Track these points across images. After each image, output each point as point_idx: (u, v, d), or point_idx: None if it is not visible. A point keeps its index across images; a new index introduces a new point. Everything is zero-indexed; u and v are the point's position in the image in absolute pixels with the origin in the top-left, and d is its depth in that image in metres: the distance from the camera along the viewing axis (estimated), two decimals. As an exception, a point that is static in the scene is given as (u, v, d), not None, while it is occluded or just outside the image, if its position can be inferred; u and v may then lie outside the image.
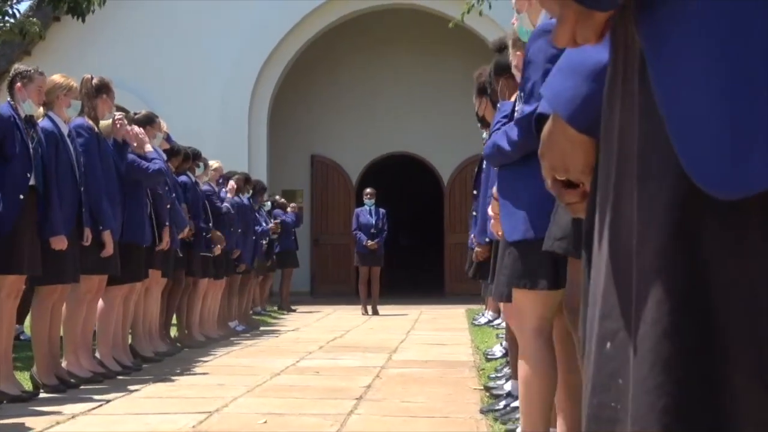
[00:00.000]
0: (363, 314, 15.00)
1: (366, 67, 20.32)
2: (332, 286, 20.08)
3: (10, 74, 6.39)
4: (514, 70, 4.63)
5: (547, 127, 1.54)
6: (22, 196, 5.94)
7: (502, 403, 5.56)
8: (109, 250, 6.96)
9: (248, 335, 11.52)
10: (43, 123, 6.50)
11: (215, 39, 18.16)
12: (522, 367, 3.71)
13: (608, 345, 1.29)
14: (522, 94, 3.56)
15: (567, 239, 3.11)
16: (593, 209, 1.46)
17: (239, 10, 18.09)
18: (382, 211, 15.29)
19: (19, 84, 6.25)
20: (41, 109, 6.62)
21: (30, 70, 6.36)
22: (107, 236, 6.94)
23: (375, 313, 15.07)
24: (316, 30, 18.84)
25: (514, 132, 3.59)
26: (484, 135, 7.39)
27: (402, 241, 24.64)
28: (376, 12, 19.31)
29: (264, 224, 14.04)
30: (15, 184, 5.91)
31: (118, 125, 7.47)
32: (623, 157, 1.30)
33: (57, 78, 6.76)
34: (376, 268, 15.20)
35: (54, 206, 6.22)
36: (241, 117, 18.43)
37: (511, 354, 5.73)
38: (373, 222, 15.07)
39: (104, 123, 7.44)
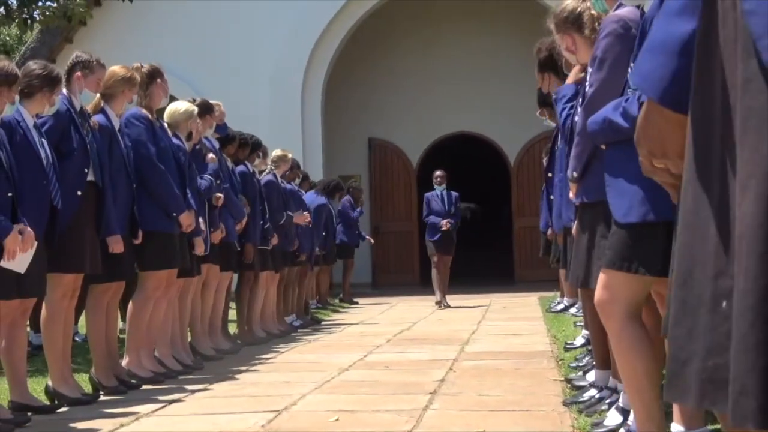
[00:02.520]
0: (438, 307, 14.49)
1: (424, 44, 20.31)
2: (395, 277, 20.15)
3: (70, 61, 6.45)
4: (564, 53, 4.66)
5: (642, 111, 1.58)
6: (80, 193, 6.08)
7: (586, 395, 5.58)
8: (188, 226, 7.24)
9: (308, 330, 11.63)
10: (97, 117, 6.61)
11: (264, 18, 18.25)
12: (621, 355, 3.73)
13: (724, 304, 1.31)
14: None
15: None
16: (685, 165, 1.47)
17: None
18: (454, 194, 14.78)
19: (79, 73, 6.35)
20: (98, 98, 6.72)
21: (93, 61, 6.44)
22: (184, 218, 7.21)
23: (447, 305, 14.63)
24: (372, 4, 18.84)
25: (635, 108, 3.56)
26: (546, 121, 7.39)
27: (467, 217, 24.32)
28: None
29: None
30: (73, 180, 6.05)
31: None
32: (726, 108, 1.32)
33: (119, 70, 6.83)
34: (448, 257, 14.70)
35: (109, 204, 6.37)
36: (293, 99, 18.51)
37: (595, 343, 5.74)
38: (446, 208, 14.62)
39: (174, 112, 7.68)
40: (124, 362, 7.12)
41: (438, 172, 14.88)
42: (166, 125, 7.68)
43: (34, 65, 5.99)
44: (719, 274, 1.33)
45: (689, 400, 1.37)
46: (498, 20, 19.83)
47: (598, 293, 3.83)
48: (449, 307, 14.55)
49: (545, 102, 6.93)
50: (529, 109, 17.87)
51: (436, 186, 14.78)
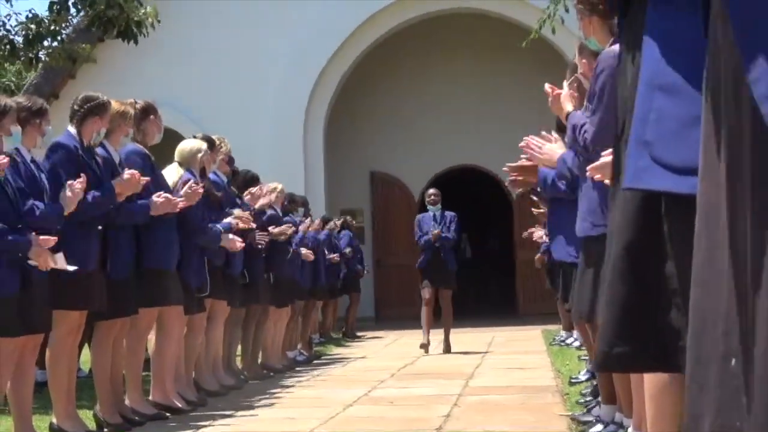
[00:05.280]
0: (423, 351, 12.34)
1: (425, 78, 20.37)
2: (398, 310, 20.09)
3: (81, 103, 6.43)
4: (580, 76, 4.70)
5: None
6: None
7: (592, 430, 5.58)
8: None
9: (311, 365, 11.62)
10: (98, 151, 6.66)
11: (267, 51, 18.33)
12: (650, 381, 3.70)
13: (733, 362, 1.32)
14: None
15: None
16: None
17: (292, 20, 18.25)
18: (450, 214, 12.96)
19: (97, 117, 6.39)
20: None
21: (105, 103, 6.48)
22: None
23: (447, 349, 12.68)
24: (374, 38, 18.94)
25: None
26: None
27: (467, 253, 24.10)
28: (440, 17, 19.31)
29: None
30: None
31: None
32: (736, 161, 1.33)
33: (114, 105, 6.87)
34: (447, 291, 12.78)
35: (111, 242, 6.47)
36: (295, 134, 18.59)
37: (600, 377, 5.74)
38: (438, 228, 12.80)
39: (183, 150, 7.72)
40: (126, 401, 7.10)
41: (431, 191, 13.34)
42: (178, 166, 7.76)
43: (20, 99, 6.08)
44: (727, 333, 1.34)
45: None
46: (500, 54, 19.87)
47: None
48: (449, 351, 12.64)
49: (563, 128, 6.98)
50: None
51: (429, 206, 13.09)
